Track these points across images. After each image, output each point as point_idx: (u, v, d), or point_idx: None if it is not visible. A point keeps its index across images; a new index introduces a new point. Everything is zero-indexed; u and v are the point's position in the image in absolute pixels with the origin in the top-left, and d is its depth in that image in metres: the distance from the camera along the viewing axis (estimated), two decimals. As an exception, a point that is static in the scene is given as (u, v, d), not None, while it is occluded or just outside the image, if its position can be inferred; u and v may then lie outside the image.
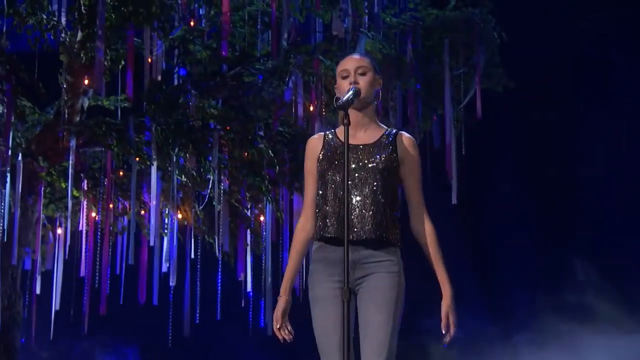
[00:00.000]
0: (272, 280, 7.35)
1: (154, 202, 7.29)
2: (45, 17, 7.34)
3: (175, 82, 7.61)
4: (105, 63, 7.33)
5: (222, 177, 7.02)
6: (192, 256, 7.71)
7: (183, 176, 7.04)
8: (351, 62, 3.53)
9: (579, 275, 9.52)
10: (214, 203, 7.15)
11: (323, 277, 3.40)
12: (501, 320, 9.60)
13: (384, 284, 3.36)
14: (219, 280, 7.56)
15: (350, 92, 3.39)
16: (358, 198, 3.40)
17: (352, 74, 3.49)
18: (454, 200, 8.68)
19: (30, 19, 7.03)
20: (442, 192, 8.65)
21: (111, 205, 7.72)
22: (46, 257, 8.48)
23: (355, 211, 3.38)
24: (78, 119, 7.72)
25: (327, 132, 3.58)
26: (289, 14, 7.82)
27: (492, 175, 9.63)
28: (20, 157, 6.96)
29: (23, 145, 7.05)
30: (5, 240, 7.13)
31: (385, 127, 3.57)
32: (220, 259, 7.45)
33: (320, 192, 3.46)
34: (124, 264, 8.17)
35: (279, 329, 3.47)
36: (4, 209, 7.01)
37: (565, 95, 9.82)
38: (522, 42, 9.32)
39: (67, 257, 7.87)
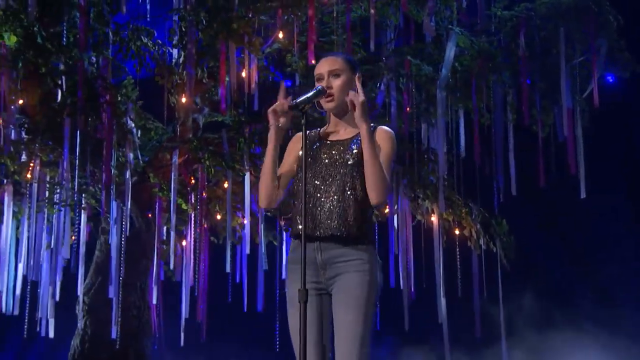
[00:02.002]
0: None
1: (259, 212, 7.53)
2: (150, 42, 7.79)
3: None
4: (204, 80, 7.69)
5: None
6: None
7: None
8: (324, 66, 3.52)
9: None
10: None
11: (297, 278, 3.43)
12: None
13: (353, 283, 3.34)
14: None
15: (311, 92, 3.40)
16: (327, 194, 3.40)
17: (326, 77, 3.50)
18: (583, 195, 8.32)
19: (132, 44, 7.46)
20: (562, 187, 8.33)
21: (219, 217, 8.04)
22: (175, 268, 8.95)
23: (324, 207, 3.38)
24: (191, 135, 8.12)
25: (314, 130, 3.61)
26: (383, 16, 7.87)
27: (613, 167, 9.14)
28: (128, 175, 7.41)
29: (126, 162, 7.47)
30: (117, 253, 7.56)
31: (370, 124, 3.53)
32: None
33: (295, 188, 3.50)
34: (245, 273, 8.46)
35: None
36: (111, 224, 7.47)
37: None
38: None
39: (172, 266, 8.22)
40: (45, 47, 6.66)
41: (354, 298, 3.32)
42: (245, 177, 7.19)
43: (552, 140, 8.67)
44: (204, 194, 7.41)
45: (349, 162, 3.40)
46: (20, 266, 8.31)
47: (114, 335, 7.78)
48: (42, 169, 7.56)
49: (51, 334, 7.94)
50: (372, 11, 7.19)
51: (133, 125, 8.20)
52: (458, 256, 8.11)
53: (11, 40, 6.38)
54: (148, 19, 8.09)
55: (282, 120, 3.44)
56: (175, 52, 8.07)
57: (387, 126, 7.24)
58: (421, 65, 7.32)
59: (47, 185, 7.68)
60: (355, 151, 3.42)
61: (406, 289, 7.95)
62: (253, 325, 8.84)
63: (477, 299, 8.04)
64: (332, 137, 3.51)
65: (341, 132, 3.52)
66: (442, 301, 7.75)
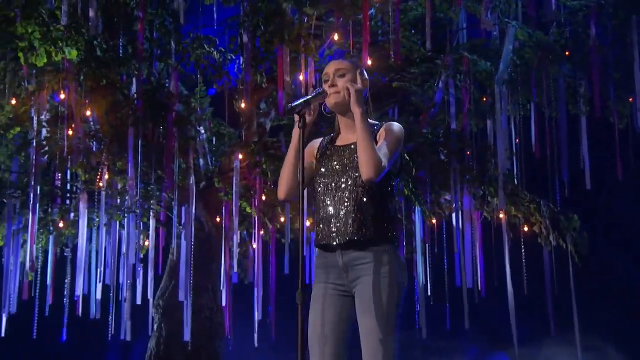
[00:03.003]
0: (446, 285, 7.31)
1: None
2: (213, 50, 7.95)
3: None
4: (264, 85, 7.79)
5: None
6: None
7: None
8: (331, 66, 3.56)
9: None
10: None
11: (321, 280, 3.48)
12: None
13: (374, 288, 3.35)
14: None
15: (311, 95, 3.43)
16: (342, 200, 3.42)
17: (332, 77, 3.52)
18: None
19: (192, 53, 7.63)
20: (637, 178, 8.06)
21: (283, 219, 8.13)
22: (248, 271, 9.10)
23: (340, 214, 3.40)
24: (256, 140, 8.24)
25: (327, 137, 3.64)
26: (444, 14, 7.80)
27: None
28: (192, 181, 7.59)
29: (189, 168, 7.64)
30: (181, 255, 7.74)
31: (375, 122, 3.54)
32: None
33: (313, 197, 3.53)
34: (313, 273, 8.51)
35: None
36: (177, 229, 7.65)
37: None
38: None
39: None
40: (105, 60, 6.90)
41: (374, 304, 3.33)
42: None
43: (629, 131, 8.42)
44: (265, 198, 7.50)
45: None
46: (100, 272, 8.65)
47: (186, 337, 7.97)
48: (113, 177, 7.83)
49: (129, 337, 8.20)
50: (428, 13, 7.11)
51: (203, 131, 8.40)
52: (527, 253, 7.96)
53: (72, 54, 6.63)
54: (215, 27, 8.26)
55: (307, 117, 3.47)
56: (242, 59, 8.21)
57: (445, 123, 7.18)
58: (478, 62, 7.21)
59: (119, 193, 7.94)
60: None
61: (476, 286, 7.89)
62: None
63: (550, 297, 7.87)
64: (341, 142, 3.53)
65: (350, 135, 3.53)
66: (511, 299, 7.62)
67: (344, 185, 3.41)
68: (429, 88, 7.58)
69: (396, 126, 3.50)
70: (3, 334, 8.65)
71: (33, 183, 7.33)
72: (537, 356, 8.86)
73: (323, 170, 3.47)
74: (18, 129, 7.63)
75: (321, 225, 3.42)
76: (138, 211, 7.64)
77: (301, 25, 7.16)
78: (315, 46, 7.32)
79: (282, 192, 3.54)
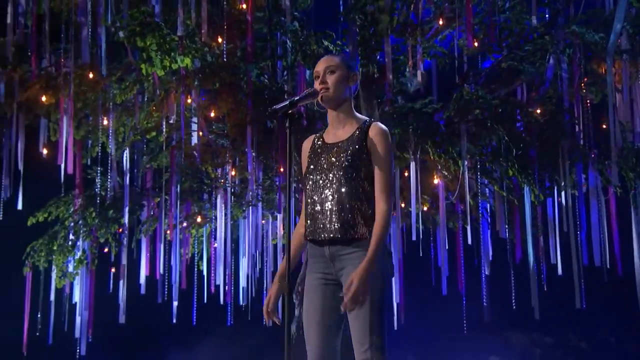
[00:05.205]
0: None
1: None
2: (330, 44, 8.16)
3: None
4: (376, 75, 7.91)
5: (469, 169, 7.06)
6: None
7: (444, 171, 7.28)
8: (321, 64, 3.68)
9: None
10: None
11: (312, 271, 3.65)
12: None
13: None
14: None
15: (300, 95, 3.57)
16: (329, 198, 3.55)
17: (322, 74, 3.66)
18: None
19: (303, 49, 7.86)
20: None
21: (403, 205, 8.23)
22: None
23: (326, 210, 3.54)
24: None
25: (317, 134, 3.78)
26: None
27: None
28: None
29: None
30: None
31: (363, 118, 3.66)
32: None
33: (304, 193, 3.70)
34: (445, 257, 8.56)
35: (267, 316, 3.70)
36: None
37: None
38: None
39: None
40: (218, 64, 7.33)
41: None
42: (410, 165, 7.33)
43: None
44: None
45: (344, 165, 3.53)
46: (244, 261, 9.18)
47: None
48: (242, 172, 8.29)
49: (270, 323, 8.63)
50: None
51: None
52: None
53: (185, 62, 7.11)
54: (340, 19, 8.47)
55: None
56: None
57: (553, 99, 6.97)
58: (584, 34, 6.94)
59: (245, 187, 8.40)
60: (350, 151, 3.55)
61: (605, 265, 7.63)
62: (450, 309, 8.93)
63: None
64: (331, 139, 3.65)
65: (339, 132, 3.65)
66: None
67: (329, 183, 3.54)
68: (540, 65, 7.39)
69: (386, 133, 3.56)
70: (174, 320, 9.40)
71: (164, 182, 7.91)
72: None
73: (312, 166, 3.62)
74: (154, 133, 8.24)
75: (309, 221, 3.57)
76: (270, 205, 8.00)
77: (407, 12, 7.21)
78: (421, 32, 7.36)
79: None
